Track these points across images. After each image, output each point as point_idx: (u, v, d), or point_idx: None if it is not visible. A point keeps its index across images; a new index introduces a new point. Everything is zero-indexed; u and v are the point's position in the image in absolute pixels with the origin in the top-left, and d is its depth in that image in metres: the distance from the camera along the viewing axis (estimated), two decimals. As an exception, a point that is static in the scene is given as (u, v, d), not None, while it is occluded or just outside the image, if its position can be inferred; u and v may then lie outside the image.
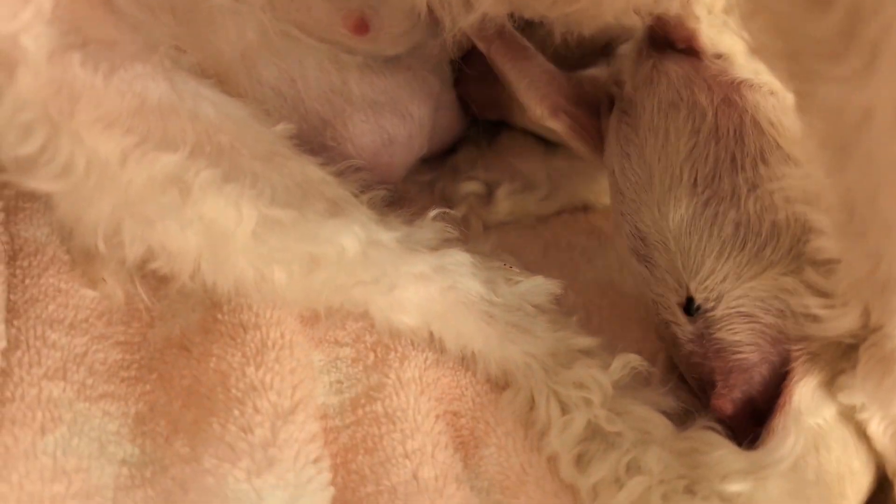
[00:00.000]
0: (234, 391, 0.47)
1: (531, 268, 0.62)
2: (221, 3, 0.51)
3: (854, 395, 0.46)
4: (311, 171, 0.49)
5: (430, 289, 0.50)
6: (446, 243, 0.53)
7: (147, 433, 0.47)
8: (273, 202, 0.46)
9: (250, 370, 0.47)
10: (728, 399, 0.48)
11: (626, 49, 0.57)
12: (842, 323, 0.45)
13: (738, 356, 0.48)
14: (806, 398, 0.46)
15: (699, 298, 0.49)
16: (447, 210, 0.55)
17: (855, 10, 0.33)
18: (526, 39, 0.59)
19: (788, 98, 0.49)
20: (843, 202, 0.39)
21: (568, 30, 0.48)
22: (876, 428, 0.47)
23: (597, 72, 0.59)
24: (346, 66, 0.57)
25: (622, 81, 0.56)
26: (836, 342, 0.46)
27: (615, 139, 0.55)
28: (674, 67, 0.53)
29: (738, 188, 0.48)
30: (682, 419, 0.51)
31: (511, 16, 0.50)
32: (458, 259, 0.52)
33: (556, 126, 0.59)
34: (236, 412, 0.46)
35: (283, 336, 0.50)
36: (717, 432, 0.48)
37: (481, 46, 0.59)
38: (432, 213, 0.54)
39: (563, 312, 0.56)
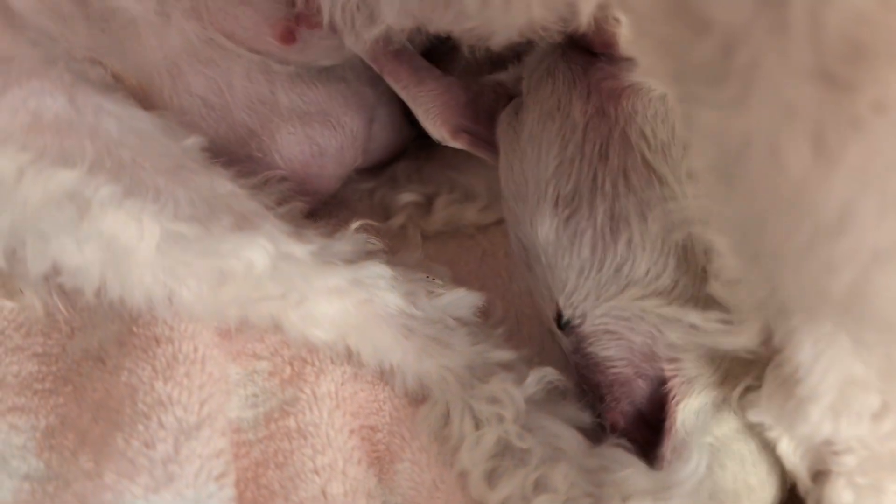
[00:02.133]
0: (140, 405, 0.47)
1: (466, 277, 0.62)
2: (141, 13, 0.51)
3: (761, 414, 0.46)
4: (219, 184, 0.49)
5: (344, 302, 0.50)
6: (368, 255, 0.53)
7: (55, 447, 0.47)
8: (177, 217, 0.46)
9: (159, 384, 0.47)
10: (617, 412, 0.48)
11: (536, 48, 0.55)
12: (738, 339, 0.45)
13: (613, 370, 0.48)
14: (689, 419, 0.46)
15: (567, 314, 0.49)
16: (369, 221, 0.54)
17: (729, 37, 0.32)
18: (424, 57, 0.58)
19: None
20: (735, 226, 0.39)
21: (474, 44, 0.48)
22: (785, 448, 0.46)
23: (504, 76, 0.58)
24: (275, 77, 0.57)
25: (520, 79, 0.55)
26: (737, 358, 0.46)
27: (503, 146, 0.54)
28: (564, 68, 0.51)
29: (595, 208, 0.48)
30: (598, 434, 0.51)
31: (418, 30, 0.49)
32: (377, 272, 0.51)
33: (459, 146, 0.58)
34: (141, 427, 0.46)
35: (196, 350, 0.49)
36: (627, 450, 0.47)
37: (375, 67, 0.57)
38: (354, 224, 0.54)
39: (490, 324, 0.56)
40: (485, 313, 0.57)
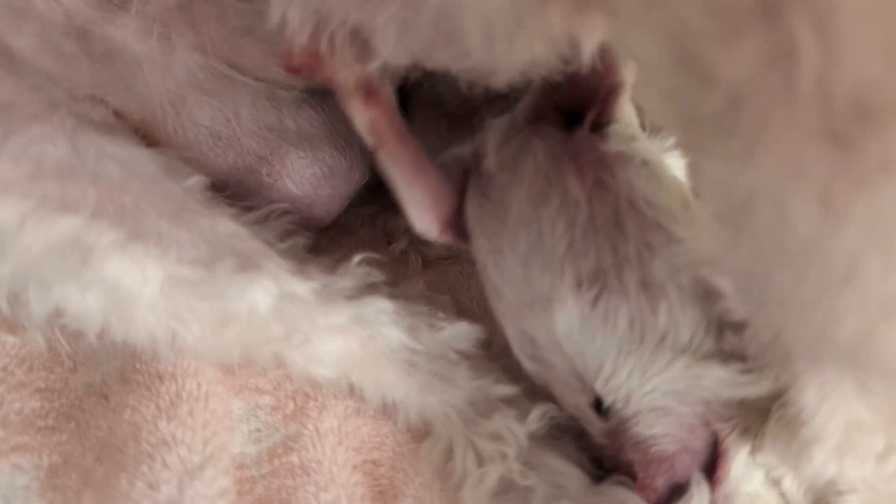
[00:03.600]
0: (145, 445, 0.46)
1: (467, 305, 0.62)
2: (144, 51, 0.51)
3: (767, 455, 0.46)
4: (222, 224, 0.49)
5: (347, 340, 0.50)
6: (371, 288, 0.53)
7: (58, 487, 0.47)
8: (180, 261, 0.46)
9: (162, 423, 0.47)
10: (651, 489, 0.46)
11: (495, 122, 0.53)
12: (760, 386, 0.45)
13: (656, 448, 0.46)
14: (739, 469, 0.46)
15: (607, 400, 0.46)
16: (370, 254, 0.54)
17: (736, 93, 0.32)
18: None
19: (661, 165, 0.48)
20: (740, 273, 0.39)
21: (473, 82, 0.47)
22: (789, 486, 0.47)
23: (461, 150, 0.55)
24: (281, 103, 0.57)
25: (483, 155, 0.52)
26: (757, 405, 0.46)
27: (481, 231, 0.50)
28: (541, 145, 0.49)
29: (625, 281, 0.45)
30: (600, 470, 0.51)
31: (415, 66, 0.49)
32: (379, 307, 0.51)
33: (444, 241, 0.55)
34: (145, 468, 0.45)
35: (199, 387, 0.49)
36: (628, 487, 0.47)
37: (370, 141, 0.53)
38: (356, 258, 0.54)
39: (491, 356, 0.56)
40: (485, 345, 0.57)
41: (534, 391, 0.53)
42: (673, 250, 0.45)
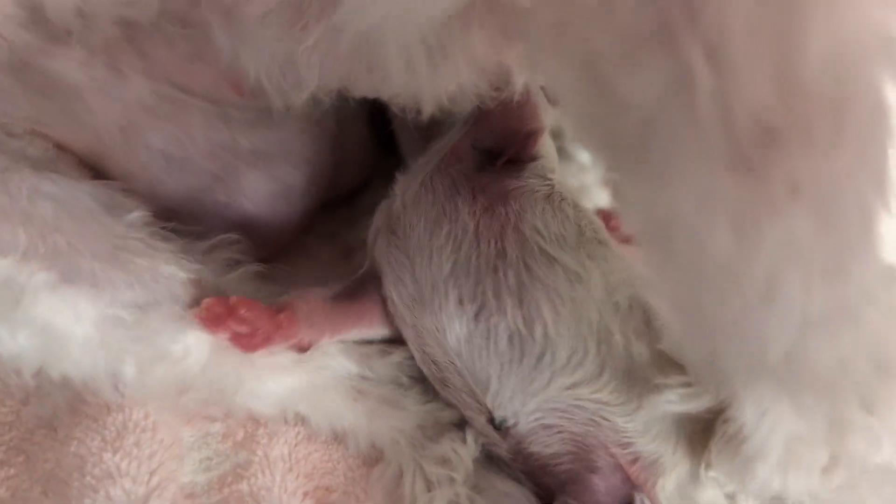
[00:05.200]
0: (89, 478, 0.46)
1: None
2: (85, 81, 0.51)
3: (715, 470, 0.46)
4: (161, 267, 0.48)
5: (291, 378, 0.50)
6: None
7: (4, 523, 0.47)
8: (114, 302, 0.45)
9: (108, 455, 0.47)
10: None
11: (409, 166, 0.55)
12: (702, 400, 0.44)
13: (561, 468, 0.47)
14: (672, 497, 0.45)
15: (498, 416, 0.47)
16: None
17: (645, 116, 0.32)
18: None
19: (568, 198, 0.50)
20: (669, 292, 0.39)
21: (404, 108, 0.48)
22: (743, 503, 0.46)
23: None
24: (235, 123, 0.57)
25: (394, 197, 0.54)
26: (697, 420, 0.46)
27: (387, 265, 0.52)
28: (441, 180, 0.51)
29: (501, 300, 0.46)
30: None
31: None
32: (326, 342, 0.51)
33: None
34: (88, 501, 0.45)
35: (147, 416, 0.49)
36: (578, 508, 0.47)
37: None
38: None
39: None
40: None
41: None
42: (554, 281, 0.46)
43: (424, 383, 0.53)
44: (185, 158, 0.55)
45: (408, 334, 0.51)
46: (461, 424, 0.52)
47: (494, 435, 0.48)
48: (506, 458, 0.49)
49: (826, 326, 0.36)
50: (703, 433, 0.46)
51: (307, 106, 0.60)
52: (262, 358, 0.49)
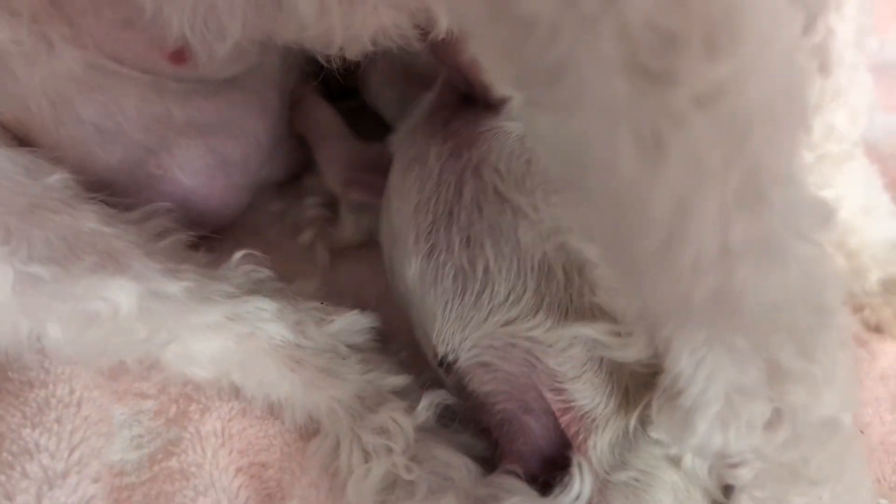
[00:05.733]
0: (6, 455, 0.45)
1: (375, 300, 0.60)
2: (11, 46, 0.49)
3: (657, 429, 0.44)
4: (82, 223, 0.47)
5: (223, 338, 0.48)
6: (257, 285, 0.52)
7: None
8: (31, 258, 0.44)
9: (27, 431, 0.45)
10: (515, 456, 0.45)
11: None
12: (630, 351, 0.42)
13: (498, 407, 0.46)
14: (605, 457, 0.43)
15: (441, 351, 0.47)
16: (253, 252, 0.53)
17: (548, 33, 0.31)
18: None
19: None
20: (595, 234, 0.37)
21: (328, 53, 0.46)
22: (689, 465, 0.44)
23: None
24: (170, 94, 0.56)
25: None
26: (635, 375, 0.44)
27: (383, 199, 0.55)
28: (424, 126, 0.53)
29: (451, 239, 0.47)
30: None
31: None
32: (259, 305, 0.50)
33: (353, 196, 0.62)
34: (3, 477, 0.44)
35: (72, 392, 0.48)
36: (518, 477, 0.45)
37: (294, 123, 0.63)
38: (238, 255, 0.52)
39: (392, 349, 0.54)
40: (387, 338, 0.55)
41: (426, 380, 0.51)
42: (500, 220, 0.46)
43: (364, 352, 0.52)
44: (118, 131, 0.54)
45: (385, 263, 0.54)
46: (405, 393, 0.50)
47: (439, 370, 0.49)
48: (453, 399, 0.49)
49: (751, 260, 0.34)
50: (643, 390, 0.44)
51: (247, 76, 0.59)
52: (194, 316, 0.48)
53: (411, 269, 0.49)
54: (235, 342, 0.49)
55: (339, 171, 0.63)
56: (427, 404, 0.48)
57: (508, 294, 0.45)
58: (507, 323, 0.45)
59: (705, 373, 0.39)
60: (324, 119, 0.65)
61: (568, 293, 0.45)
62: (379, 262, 0.64)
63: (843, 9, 0.55)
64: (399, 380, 0.50)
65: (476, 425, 0.48)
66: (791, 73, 0.30)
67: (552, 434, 0.44)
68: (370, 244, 0.64)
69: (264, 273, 0.52)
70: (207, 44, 0.47)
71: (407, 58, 0.60)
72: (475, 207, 0.47)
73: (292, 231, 0.64)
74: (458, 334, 0.46)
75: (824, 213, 0.38)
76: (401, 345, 0.55)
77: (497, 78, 0.37)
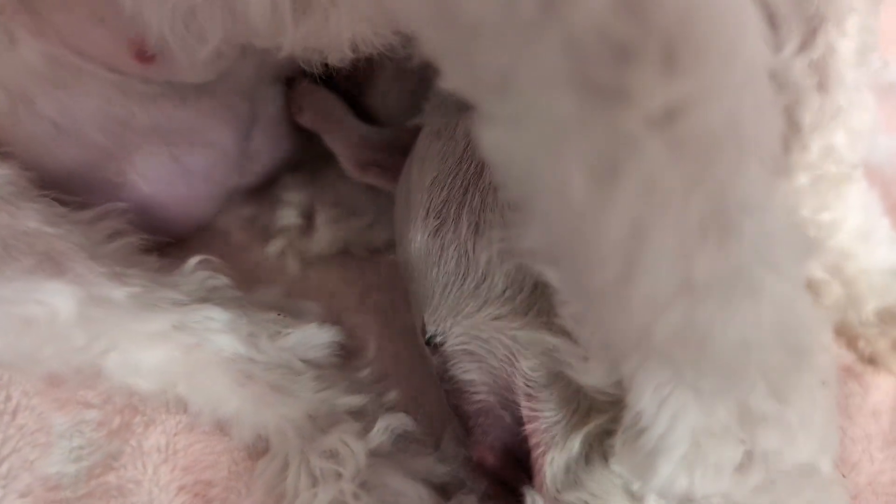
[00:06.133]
0: (-69, 466, 0.42)
1: (345, 312, 0.58)
2: None
3: (618, 462, 0.41)
4: (22, 222, 0.44)
5: (169, 348, 0.46)
6: (211, 292, 0.49)
7: None
8: None
9: (-45, 441, 0.43)
10: (486, 447, 0.43)
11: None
12: (590, 376, 0.40)
13: (477, 397, 0.44)
14: (559, 476, 0.40)
15: (430, 330, 0.46)
16: (210, 258, 0.50)
17: (493, 39, 0.28)
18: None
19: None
20: (554, 259, 0.34)
21: (310, 58, 0.44)
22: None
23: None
24: (136, 96, 0.53)
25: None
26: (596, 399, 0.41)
27: (405, 165, 0.53)
28: (457, 102, 0.50)
29: (461, 221, 0.46)
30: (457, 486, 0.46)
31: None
32: (209, 314, 0.47)
33: (370, 180, 0.60)
34: (-75, 491, 0.41)
35: (8, 399, 0.46)
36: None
37: (296, 117, 0.61)
38: (193, 260, 0.50)
39: (356, 365, 0.52)
40: (351, 353, 0.52)
41: (386, 402, 0.49)
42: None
43: (321, 368, 0.49)
44: (77, 130, 0.52)
45: (395, 232, 0.53)
46: (361, 414, 0.47)
47: (426, 348, 0.47)
48: (436, 376, 0.47)
49: (717, 295, 0.31)
50: (606, 417, 0.41)
51: (217, 83, 0.57)
52: (138, 324, 0.45)
53: (416, 240, 0.47)
54: (182, 353, 0.46)
55: (355, 153, 0.61)
56: (382, 428, 0.46)
57: (505, 290, 0.44)
58: (497, 318, 0.44)
59: (669, 413, 0.36)
60: (330, 105, 0.63)
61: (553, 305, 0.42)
62: (351, 272, 0.62)
63: (844, 25, 0.52)
64: (355, 400, 0.47)
65: (455, 412, 0.46)
66: (760, 92, 0.27)
67: (520, 435, 0.42)
68: (343, 254, 0.62)
69: (221, 280, 0.50)
70: (187, 47, 0.45)
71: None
72: (491, 192, 0.46)
73: (262, 237, 0.61)
74: (450, 318, 0.45)
75: (804, 246, 0.35)
76: (365, 361, 0.52)
77: (452, 84, 0.34)
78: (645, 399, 0.36)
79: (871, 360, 0.58)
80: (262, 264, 0.60)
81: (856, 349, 0.59)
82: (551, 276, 0.38)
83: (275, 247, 0.60)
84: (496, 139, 0.29)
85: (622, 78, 0.25)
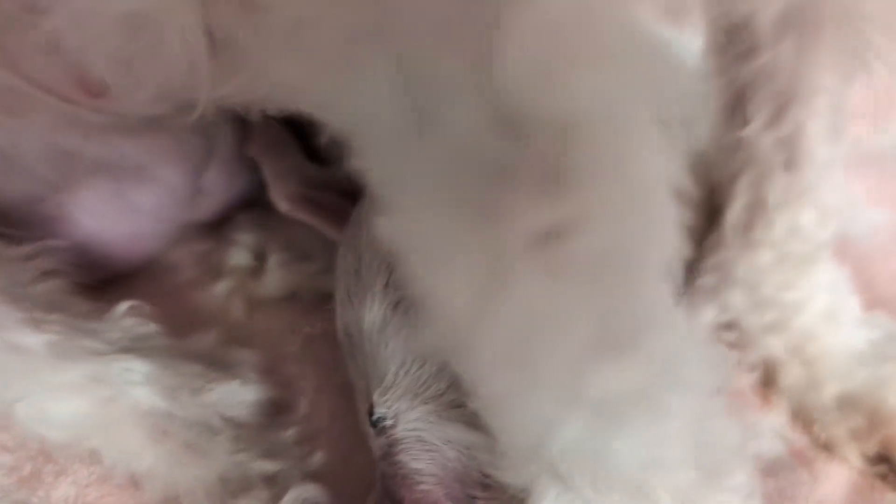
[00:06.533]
0: None
1: (285, 361, 0.56)
2: None
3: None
4: None
5: (84, 401, 0.44)
6: (136, 341, 0.48)
7: None
8: None
9: None
10: None
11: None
12: (504, 474, 0.38)
13: (421, 487, 0.42)
14: None
15: (379, 411, 0.43)
16: (139, 303, 0.49)
17: (380, 130, 0.26)
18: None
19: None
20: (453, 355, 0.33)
21: (254, 108, 0.43)
22: None
23: None
24: (85, 127, 0.52)
25: None
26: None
27: (352, 222, 0.51)
28: None
29: None
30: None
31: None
32: (128, 365, 0.46)
33: (300, 216, 0.57)
34: None
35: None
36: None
37: (246, 146, 0.60)
38: (123, 306, 0.48)
39: (284, 422, 0.50)
40: (281, 408, 0.51)
41: (304, 469, 0.47)
42: None
43: (240, 428, 0.48)
44: (19, 160, 0.51)
45: (337, 295, 0.49)
46: (275, 481, 0.46)
47: (369, 428, 0.44)
48: (375, 456, 0.45)
49: (616, 413, 0.30)
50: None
51: (172, 118, 0.55)
52: (53, 374, 0.44)
53: (372, 313, 0.44)
54: (96, 405, 0.45)
55: (286, 185, 0.58)
56: (292, 499, 0.44)
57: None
58: (458, 406, 0.42)
59: (572, 523, 0.34)
60: (278, 138, 0.61)
61: None
62: (297, 318, 0.60)
63: (813, 104, 0.50)
64: (269, 466, 0.46)
65: (386, 492, 0.44)
66: (652, 211, 0.25)
67: None
68: (292, 298, 0.60)
69: (150, 328, 0.48)
70: (127, 90, 0.44)
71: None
72: None
73: (210, 273, 0.60)
74: (405, 401, 0.42)
75: (716, 361, 0.33)
76: (294, 418, 0.50)
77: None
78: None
79: (826, 447, 0.56)
80: (208, 303, 0.59)
81: (811, 433, 0.57)
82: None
83: (222, 287, 0.58)
84: (390, 228, 0.28)
85: (499, 198, 0.24)
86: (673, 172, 0.26)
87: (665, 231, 0.26)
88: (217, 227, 0.62)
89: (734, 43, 0.50)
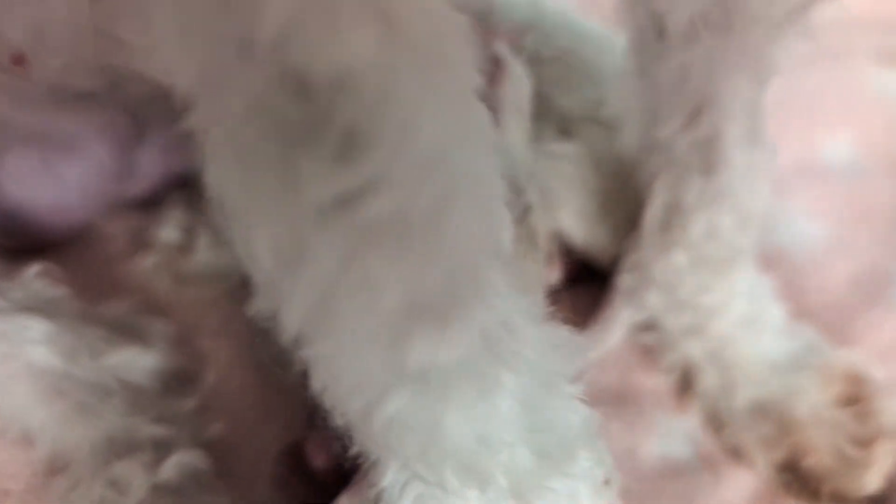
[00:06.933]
0: None
1: (202, 335, 0.57)
2: None
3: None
4: None
5: None
6: (44, 303, 0.49)
7: None
8: None
9: None
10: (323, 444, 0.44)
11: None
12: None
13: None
14: None
15: None
16: (51, 266, 0.50)
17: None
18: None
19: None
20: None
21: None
22: None
23: None
24: (17, 96, 0.53)
25: None
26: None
27: None
28: None
29: None
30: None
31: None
32: (27, 324, 0.47)
33: None
34: None
35: None
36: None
37: None
38: (33, 268, 0.49)
39: (187, 391, 0.51)
40: (190, 379, 0.52)
41: (200, 435, 0.48)
42: None
43: (139, 393, 0.48)
44: None
45: None
46: (163, 446, 0.47)
47: None
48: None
49: (441, 387, 0.30)
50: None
51: (104, 94, 0.56)
52: None
53: None
54: (-7, 360, 0.46)
55: None
56: (174, 462, 0.45)
57: None
58: None
59: (412, 496, 0.35)
60: None
61: None
62: (221, 296, 0.61)
63: (729, 107, 0.51)
64: (160, 430, 0.47)
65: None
66: (454, 181, 0.25)
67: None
68: (220, 277, 0.61)
69: (59, 291, 0.49)
70: (42, 59, 0.45)
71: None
72: None
73: (140, 249, 0.61)
74: None
75: (562, 346, 0.34)
76: (196, 390, 0.51)
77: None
78: (388, 478, 0.35)
79: (735, 453, 0.56)
80: (133, 275, 0.60)
81: (721, 438, 0.57)
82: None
83: (150, 261, 0.59)
84: (213, 180, 0.28)
85: (295, 161, 0.24)
86: (484, 142, 0.26)
87: (478, 201, 0.26)
88: (151, 204, 0.63)
89: (653, 43, 0.50)
